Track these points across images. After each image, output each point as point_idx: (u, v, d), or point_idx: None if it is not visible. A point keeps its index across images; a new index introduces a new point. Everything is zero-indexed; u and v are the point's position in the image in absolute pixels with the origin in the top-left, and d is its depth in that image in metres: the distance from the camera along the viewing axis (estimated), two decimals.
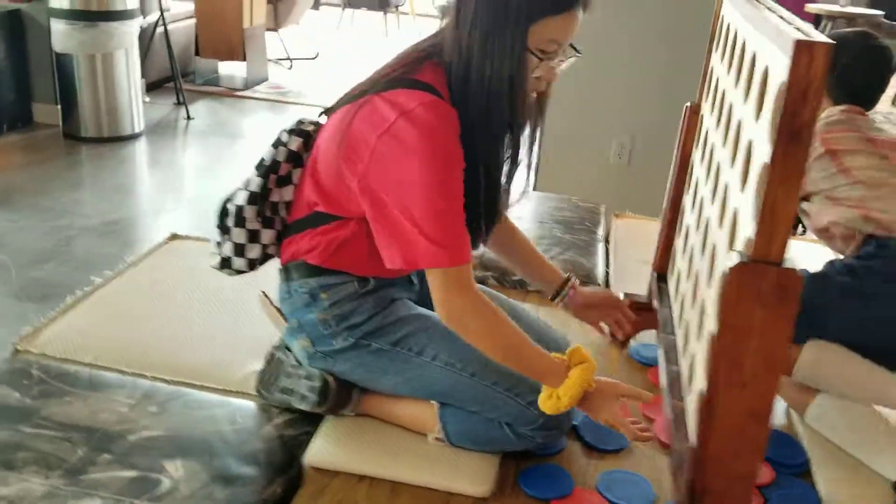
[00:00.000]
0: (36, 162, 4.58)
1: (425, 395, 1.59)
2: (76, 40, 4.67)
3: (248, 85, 6.37)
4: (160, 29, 5.51)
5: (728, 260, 1.04)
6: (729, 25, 1.62)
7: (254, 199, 1.58)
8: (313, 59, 7.60)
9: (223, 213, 1.60)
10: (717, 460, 1.09)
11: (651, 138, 3.75)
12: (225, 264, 1.64)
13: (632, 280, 2.31)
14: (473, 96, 1.43)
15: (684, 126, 1.84)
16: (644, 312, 2.01)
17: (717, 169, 1.45)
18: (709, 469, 1.10)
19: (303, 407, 1.62)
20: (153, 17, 5.41)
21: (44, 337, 1.90)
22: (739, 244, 1.14)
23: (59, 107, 5.05)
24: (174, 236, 2.46)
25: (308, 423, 1.65)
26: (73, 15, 4.63)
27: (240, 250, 1.61)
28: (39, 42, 4.95)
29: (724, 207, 1.32)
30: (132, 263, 2.28)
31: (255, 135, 5.44)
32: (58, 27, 4.68)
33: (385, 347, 1.57)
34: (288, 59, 7.23)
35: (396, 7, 9.33)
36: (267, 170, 1.59)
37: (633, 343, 2.04)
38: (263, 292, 1.72)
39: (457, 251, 1.41)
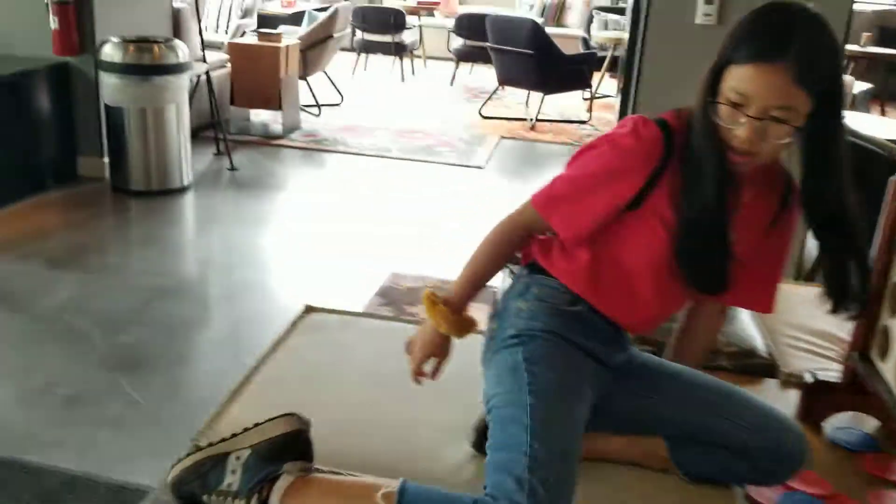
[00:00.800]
0: (90, 218, 4.46)
1: (492, 406, 1.53)
2: (129, 94, 4.57)
3: (283, 133, 6.28)
4: (201, 79, 5.43)
5: None
6: None
7: None
8: (339, 104, 7.53)
9: None
10: None
11: None
12: None
13: (796, 354, 2.23)
14: (691, 136, 1.49)
15: (892, 199, 1.77)
16: (837, 394, 1.93)
17: None
18: None
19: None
20: (199, 67, 5.31)
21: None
22: None
23: (105, 160, 4.95)
24: (310, 309, 2.34)
25: None
26: (126, 69, 4.53)
27: None
28: (86, 95, 4.85)
29: None
30: (277, 342, 2.16)
31: (300, 185, 5.34)
32: (109, 81, 4.58)
33: (520, 358, 1.53)
34: (316, 105, 7.16)
35: (411, 51, 9.31)
36: None
37: (827, 426, 1.95)
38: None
39: (549, 205, 1.56)
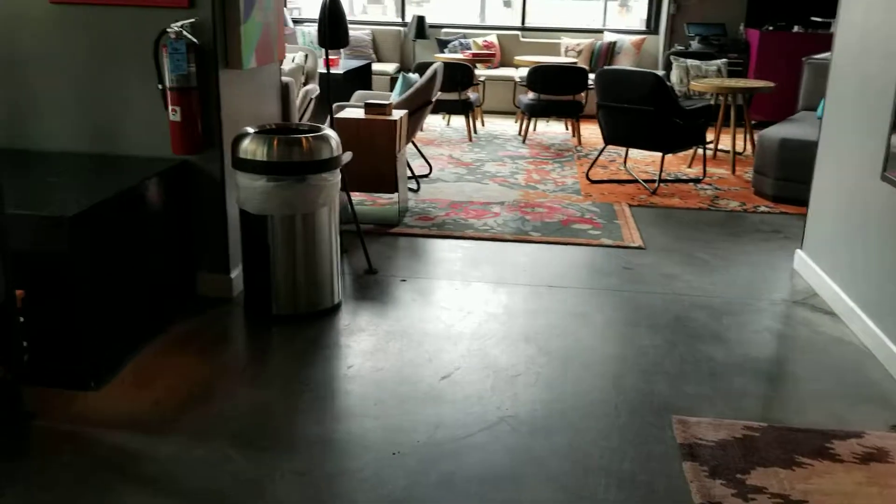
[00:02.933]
0: (245, 362, 3.50)
1: None
2: (276, 198, 3.64)
3: (398, 219, 5.38)
4: None
5: None
6: None
7: None
8: (428, 175, 6.66)
9: None
10: None
11: None
12: None
13: None
14: None
15: None
16: None
17: None
18: None
19: None
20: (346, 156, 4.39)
21: None
22: None
23: (231, 276, 4.01)
24: None
25: None
26: (272, 168, 3.62)
27: None
28: (209, 199, 3.92)
29: None
30: None
31: (460, 286, 4.35)
32: (250, 183, 3.65)
33: None
34: (414, 177, 6.28)
35: (476, 108, 8.49)
36: None
37: None
38: None
39: None
